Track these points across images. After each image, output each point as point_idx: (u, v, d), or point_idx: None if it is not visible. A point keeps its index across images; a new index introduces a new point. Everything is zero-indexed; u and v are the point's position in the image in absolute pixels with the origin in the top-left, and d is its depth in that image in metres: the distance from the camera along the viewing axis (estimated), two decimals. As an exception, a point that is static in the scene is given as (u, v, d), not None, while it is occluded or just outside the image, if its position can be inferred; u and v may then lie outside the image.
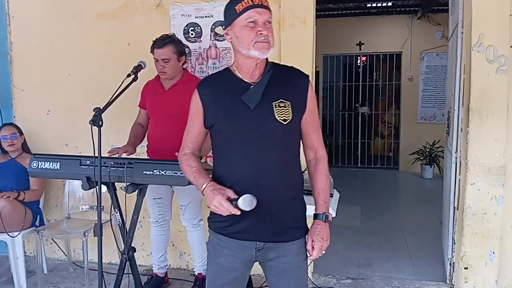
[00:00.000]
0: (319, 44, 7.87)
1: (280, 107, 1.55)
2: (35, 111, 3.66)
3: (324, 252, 1.61)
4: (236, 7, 1.50)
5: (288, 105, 1.56)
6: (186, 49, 3.28)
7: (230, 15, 1.53)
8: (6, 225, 3.00)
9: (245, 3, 1.49)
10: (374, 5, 6.98)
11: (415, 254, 3.78)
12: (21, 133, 3.33)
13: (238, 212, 1.45)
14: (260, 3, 1.50)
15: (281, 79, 1.61)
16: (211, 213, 1.63)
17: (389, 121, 8.44)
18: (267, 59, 1.61)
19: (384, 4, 6.93)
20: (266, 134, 1.54)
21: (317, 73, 8.28)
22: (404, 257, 3.72)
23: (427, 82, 7.37)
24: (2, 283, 3.29)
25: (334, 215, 2.49)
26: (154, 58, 2.80)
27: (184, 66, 2.98)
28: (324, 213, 1.64)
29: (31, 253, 3.67)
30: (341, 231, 4.45)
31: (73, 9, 3.54)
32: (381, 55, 7.97)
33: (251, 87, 1.56)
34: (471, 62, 2.84)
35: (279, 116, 1.54)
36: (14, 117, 3.69)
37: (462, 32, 2.97)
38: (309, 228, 1.69)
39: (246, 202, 1.44)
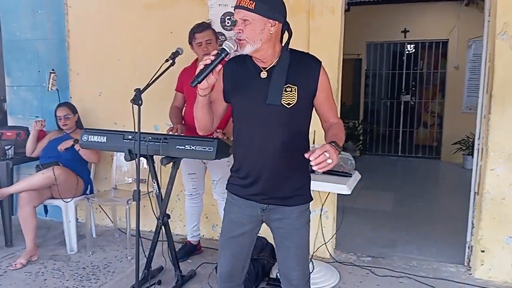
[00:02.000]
0: (362, 31, 7.96)
1: (286, 91, 1.74)
2: (89, 93, 4.07)
3: (329, 160, 1.52)
4: None
5: (294, 89, 1.74)
6: (222, 37, 3.55)
7: None
8: (61, 192, 3.42)
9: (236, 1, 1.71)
10: (419, -8, 6.90)
11: (440, 238, 3.87)
12: (74, 112, 3.73)
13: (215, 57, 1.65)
14: (237, 4, 1.69)
15: (294, 65, 1.78)
16: (229, 177, 1.92)
17: (434, 110, 8.33)
18: (282, 46, 1.79)
19: (430, -9, 6.83)
20: (272, 115, 1.75)
21: (359, 60, 8.32)
22: (428, 241, 3.82)
23: (473, 71, 7.18)
24: (56, 244, 3.73)
25: (349, 192, 2.69)
26: (196, 43, 3.05)
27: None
28: (332, 141, 1.63)
29: (82, 219, 4.11)
30: (370, 214, 4.60)
31: (123, -1, 3.89)
32: (426, 43, 7.85)
33: (270, 83, 1.73)
34: (495, 50, 2.89)
35: (284, 100, 1.73)
36: (71, 97, 4.12)
37: (489, 21, 3.01)
38: (312, 198, 1.91)
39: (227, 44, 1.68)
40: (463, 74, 7.31)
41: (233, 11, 1.75)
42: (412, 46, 8.27)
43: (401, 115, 8.36)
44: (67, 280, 3.05)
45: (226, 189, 1.95)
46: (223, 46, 1.69)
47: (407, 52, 8.30)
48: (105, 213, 4.10)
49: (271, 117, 1.75)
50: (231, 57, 1.77)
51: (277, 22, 1.72)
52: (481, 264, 3.07)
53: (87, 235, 3.63)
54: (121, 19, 3.92)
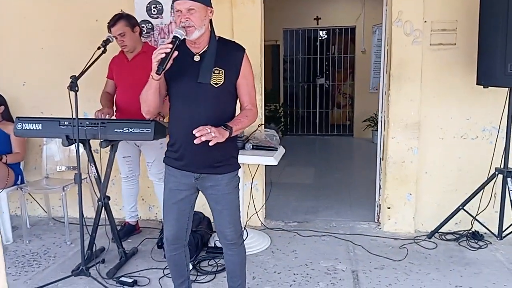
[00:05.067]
0: (279, 18, 8.38)
1: (215, 73, 2.03)
2: (12, 83, 3.99)
3: (212, 136, 1.86)
4: None
5: (222, 72, 2.04)
6: (149, 24, 3.70)
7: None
8: (-8, 183, 3.39)
9: None
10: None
11: (354, 202, 4.40)
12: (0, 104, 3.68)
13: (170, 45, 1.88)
14: None
15: (221, 51, 2.07)
16: (166, 151, 2.17)
17: (346, 92, 9.04)
18: (210, 33, 2.07)
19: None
20: (202, 92, 2.02)
21: (277, 46, 8.76)
22: (344, 205, 4.33)
23: (378, 55, 7.88)
24: (-11, 237, 3.69)
25: (276, 163, 3.04)
26: (113, 36, 3.17)
27: (147, 40, 3.39)
28: (227, 124, 2.00)
29: (12, 212, 4.06)
30: (294, 187, 5.03)
31: (43, -13, 3.86)
32: (337, 29, 8.47)
33: (201, 66, 2.00)
34: (392, 35, 3.38)
35: (212, 81, 2.02)
36: (-8, 88, 4.02)
37: (386, 10, 3.49)
38: (240, 166, 2.23)
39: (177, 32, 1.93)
40: (369, 58, 8.02)
41: (173, 3, 1.98)
42: (324, 32, 8.87)
43: (317, 97, 8.98)
44: (8, 268, 3.07)
45: (163, 161, 2.19)
46: (175, 34, 1.93)
47: (320, 38, 8.89)
48: (38, 203, 4.09)
49: (201, 94, 2.03)
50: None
51: (213, 9, 2.02)
52: (388, 219, 3.60)
53: (22, 225, 3.62)
54: (43, 6, 3.88)
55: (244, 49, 2.12)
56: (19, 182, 3.68)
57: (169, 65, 1.91)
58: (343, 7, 8.19)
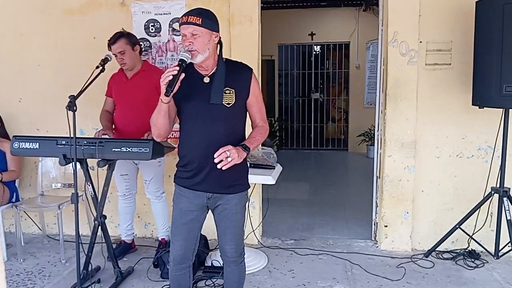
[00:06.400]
0: (274, 34, 8.45)
1: (226, 93, 2.06)
2: (8, 99, 3.97)
3: (229, 159, 1.93)
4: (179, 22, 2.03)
5: (232, 92, 2.07)
6: (147, 42, 3.71)
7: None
8: (-14, 201, 3.36)
9: (181, 19, 2.00)
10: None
11: (350, 219, 4.40)
12: (-6, 122, 3.66)
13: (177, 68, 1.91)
14: (185, 21, 1.98)
15: (230, 72, 2.10)
16: (176, 171, 2.19)
17: (340, 106, 9.10)
18: (219, 56, 2.09)
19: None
20: (214, 113, 2.05)
21: (272, 61, 8.82)
22: (341, 222, 4.33)
23: (372, 70, 7.97)
24: (-18, 255, 3.64)
25: (273, 182, 3.05)
26: (113, 54, 3.18)
27: (145, 58, 3.40)
28: (245, 143, 2.06)
29: (7, 229, 4.01)
30: (290, 203, 5.03)
31: (41, 4, 3.85)
32: (331, 45, 8.56)
33: (212, 87, 2.04)
34: (387, 55, 3.42)
35: (224, 101, 2.05)
36: (-13, 105, 4.00)
37: (382, 30, 3.54)
38: (250, 185, 2.25)
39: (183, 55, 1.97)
40: (363, 73, 8.10)
41: (179, 27, 2.03)
42: (318, 47, 8.95)
43: (312, 112, 9.03)
44: (2, 288, 3.04)
45: (174, 182, 2.20)
46: (181, 57, 1.97)
47: (314, 53, 8.97)
48: (32, 220, 4.04)
49: (214, 114, 2.06)
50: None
51: (218, 34, 2.05)
52: (385, 237, 3.60)
53: (16, 243, 3.58)
54: (40, 24, 3.88)
55: (251, 69, 2.17)
56: (13, 199, 3.65)
57: (177, 87, 1.94)
58: (337, 23, 8.29)
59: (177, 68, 1.93)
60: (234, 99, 2.07)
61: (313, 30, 8.37)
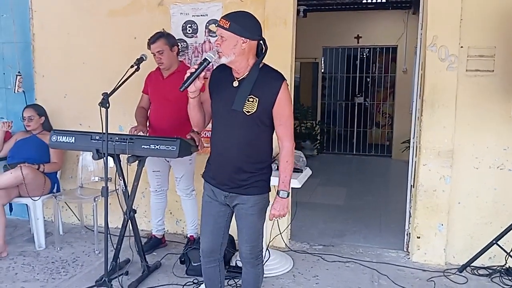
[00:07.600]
0: (319, 36, 8.37)
1: (249, 101, 2.05)
2: (54, 95, 4.21)
3: (280, 218, 2.25)
4: None
5: (256, 101, 2.05)
6: (184, 43, 3.80)
7: None
8: (29, 190, 3.56)
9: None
10: (370, 0, 7.35)
11: (384, 228, 4.27)
12: (40, 115, 3.86)
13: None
14: (218, 23, 2.05)
15: (260, 79, 2.07)
16: (204, 168, 2.30)
17: (385, 111, 8.87)
18: (256, 61, 2.08)
19: (379, 0, 7.30)
20: (234, 119, 2.08)
21: (316, 64, 8.74)
22: (374, 230, 4.21)
23: (420, 75, 7.73)
24: (24, 242, 3.86)
25: (299, 186, 3.03)
26: (151, 53, 3.29)
27: (181, 58, 3.48)
28: (280, 190, 2.18)
29: (48, 218, 4.24)
30: (324, 208, 4.96)
31: (88, 5, 4.06)
32: (378, 48, 8.36)
33: (237, 92, 2.05)
34: (426, 59, 3.29)
35: (245, 108, 2.05)
36: (36, 99, 4.25)
37: (421, 34, 3.41)
38: (268, 189, 2.24)
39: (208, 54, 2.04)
40: (410, 78, 7.81)
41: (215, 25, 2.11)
42: (365, 50, 8.77)
43: (356, 116, 8.85)
44: (37, 274, 3.21)
45: (203, 177, 2.30)
46: (205, 56, 2.03)
47: (360, 56, 8.79)
48: (72, 211, 4.24)
49: (233, 120, 2.09)
50: (218, 64, 2.12)
51: (248, 40, 2.02)
52: (418, 249, 3.46)
53: (55, 232, 3.77)
54: (86, 24, 4.07)
55: (283, 79, 2.09)
56: (55, 190, 3.84)
57: (199, 84, 2.04)
58: (385, 26, 8.07)
59: (196, 66, 2.00)
60: (255, 108, 2.05)
61: (360, 33, 8.22)
